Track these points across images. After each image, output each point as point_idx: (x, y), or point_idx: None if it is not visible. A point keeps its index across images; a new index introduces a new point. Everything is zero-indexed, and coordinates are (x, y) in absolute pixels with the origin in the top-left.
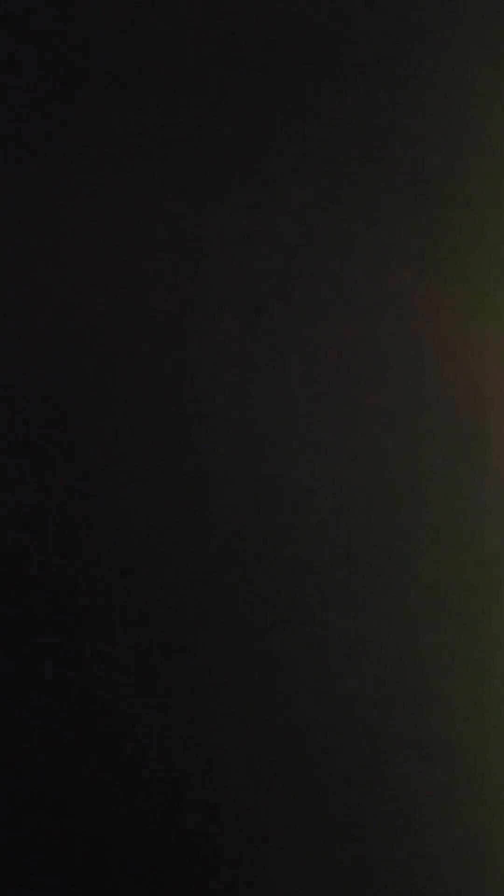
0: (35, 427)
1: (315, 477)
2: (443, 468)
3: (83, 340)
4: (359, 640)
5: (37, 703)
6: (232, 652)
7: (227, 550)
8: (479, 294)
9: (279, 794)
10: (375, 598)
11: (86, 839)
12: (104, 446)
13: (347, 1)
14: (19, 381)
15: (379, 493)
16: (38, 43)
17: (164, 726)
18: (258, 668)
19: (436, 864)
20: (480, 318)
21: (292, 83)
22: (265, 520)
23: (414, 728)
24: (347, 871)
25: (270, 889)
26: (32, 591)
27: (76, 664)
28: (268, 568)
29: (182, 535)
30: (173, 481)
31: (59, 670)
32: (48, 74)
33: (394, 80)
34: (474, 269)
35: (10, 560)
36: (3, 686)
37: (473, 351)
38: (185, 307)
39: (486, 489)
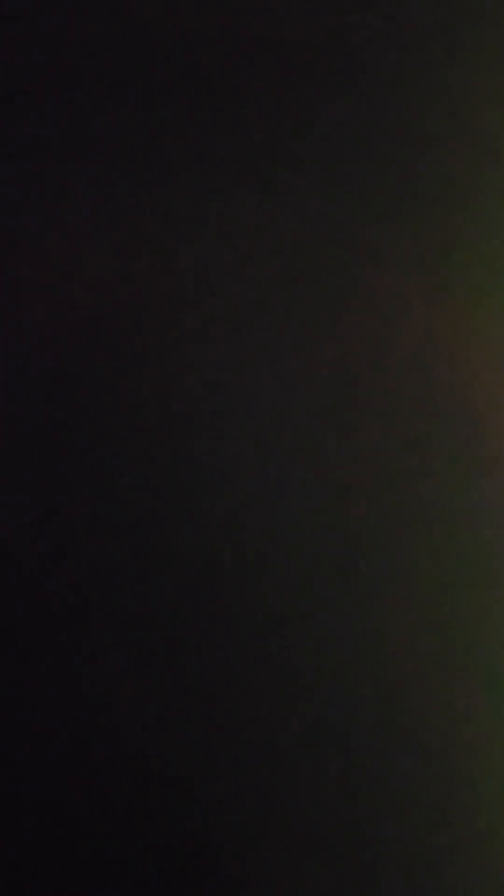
0: (33, 426)
1: (315, 476)
2: (443, 468)
3: (82, 340)
4: (359, 641)
5: (36, 702)
6: (231, 652)
7: (227, 550)
8: (480, 293)
9: (279, 794)
10: (376, 598)
11: (85, 839)
12: (102, 446)
13: (348, 1)
14: (18, 381)
15: (379, 493)
16: (39, 43)
17: (163, 726)
18: (257, 668)
19: (436, 865)
20: (481, 318)
21: (292, 82)
22: (265, 520)
23: (414, 728)
24: (347, 871)
25: (270, 889)
26: (31, 590)
27: (76, 664)
28: (267, 567)
29: (181, 534)
30: (172, 481)
31: (59, 670)
32: (48, 74)
33: (394, 80)
34: (475, 269)
35: (9, 560)
36: (3, 686)
37: (475, 350)
38: (184, 307)
39: (486, 489)
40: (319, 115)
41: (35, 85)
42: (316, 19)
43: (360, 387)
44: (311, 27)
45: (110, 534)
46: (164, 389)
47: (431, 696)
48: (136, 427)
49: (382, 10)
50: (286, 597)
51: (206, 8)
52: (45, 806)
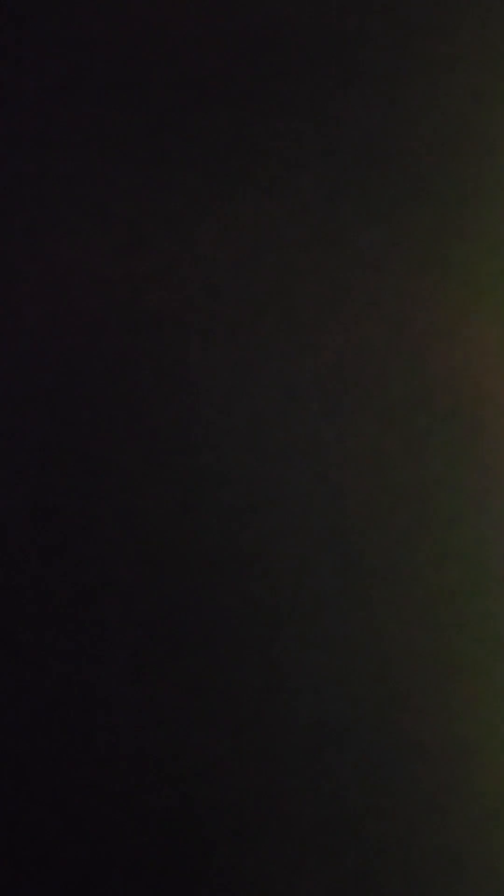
0: (34, 427)
1: (314, 476)
2: (443, 468)
3: (83, 340)
4: (358, 640)
5: (36, 702)
6: (231, 652)
7: (226, 550)
8: (478, 293)
9: (278, 793)
10: (375, 597)
11: (84, 839)
12: (103, 446)
13: (348, 1)
14: (18, 381)
15: (378, 492)
16: (39, 43)
17: (162, 726)
18: (257, 668)
19: (435, 865)
20: (480, 318)
21: (292, 82)
22: (264, 519)
23: (413, 728)
24: (346, 871)
25: (270, 888)
26: (31, 591)
27: (76, 664)
28: (267, 567)
29: (181, 534)
30: (172, 481)
31: (58, 670)
32: (48, 74)
33: (394, 80)
34: (474, 269)
35: (9, 560)
36: (2, 686)
37: (473, 350)
38: (184, 307)
39: (486, 489)
40: (319, 115)
41: (35, 85)
42: (316, 19)
43: (360, 387)
44: (311, 27)
45: (110, 533)
46: (164, 389)
47: (431, 695)
48: (135, 427)
49: (382, 10)
50: (286, 596)
51: (206, 8)
52: (44, 805)
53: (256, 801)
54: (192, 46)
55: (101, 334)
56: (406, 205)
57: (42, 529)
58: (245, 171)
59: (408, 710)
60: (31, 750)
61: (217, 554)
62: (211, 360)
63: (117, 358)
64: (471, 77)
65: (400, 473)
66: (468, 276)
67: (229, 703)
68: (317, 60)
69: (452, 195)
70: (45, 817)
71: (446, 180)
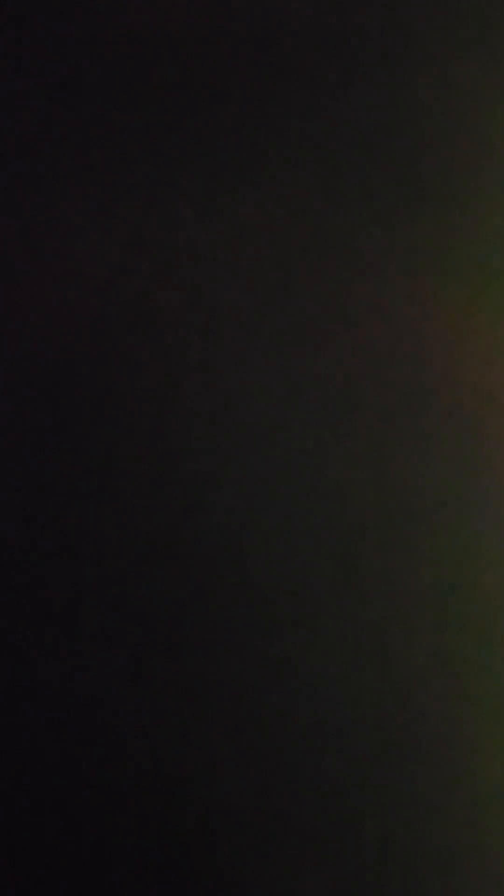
0: (34, 426)
1: (314, 477)
2: (443, 468)
3: (83, 340)
4: (358, 641)
5: (36, 702)
6: (231, 652)
7: (226, 550)
8: (479, 293)
9: (277, 794)
10: (374, 598)
11: (85, 839)
12: (103, 446)
13: (348, 1)
14: (18, 381)
15: (378, 493)
16: (38, 43)
17: (162, 727)
18: (257, 668)
19: (434, 866)
20: (481, 317)
21: (292, 82)
22: (264, 520)
23: (413, 728)
24: (346, 871)
25: (270, 888)
26: (31, 591)
27: (75, 664)
28: (267, 568)
29: (181, 534)
30: (172, 481)
31: (58, 670)
32: (48, 74)
33: (393, 80)
34: (474, 269)
35: (9, 560)
36: (2, 686)
37: (474, 350)
38: (184, 307)
39: (486, 489)
40: (319, 114)
41: (35, 85)
42: (316, 19)
43: (360, 387)
44: (312, 27)
45: (110, 534)
46: (164, 389)
47: (431, 695)
48: (135, 428)
49: (382, 10)
50: (286, 597)
51: (206, 8)
52: (43, 805)
53: (256, 800)
54: (192, 46)
55: (101, 333)
56: (406, 205)
57: (41, 529)
58: (245, 171)
59: (408, 710)
60: (30, 750)
61: (217, 553)
62: (211, 360)
63: (117, 357)
64: (471, 76)
65: (400, 473)
66: (468, 277)
67: (229, 703)
68: (317, 60)
69: (452, 196)
70: (45, 817)
71: (446, 181)
